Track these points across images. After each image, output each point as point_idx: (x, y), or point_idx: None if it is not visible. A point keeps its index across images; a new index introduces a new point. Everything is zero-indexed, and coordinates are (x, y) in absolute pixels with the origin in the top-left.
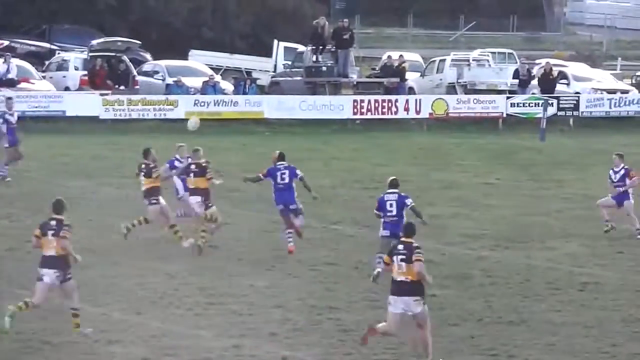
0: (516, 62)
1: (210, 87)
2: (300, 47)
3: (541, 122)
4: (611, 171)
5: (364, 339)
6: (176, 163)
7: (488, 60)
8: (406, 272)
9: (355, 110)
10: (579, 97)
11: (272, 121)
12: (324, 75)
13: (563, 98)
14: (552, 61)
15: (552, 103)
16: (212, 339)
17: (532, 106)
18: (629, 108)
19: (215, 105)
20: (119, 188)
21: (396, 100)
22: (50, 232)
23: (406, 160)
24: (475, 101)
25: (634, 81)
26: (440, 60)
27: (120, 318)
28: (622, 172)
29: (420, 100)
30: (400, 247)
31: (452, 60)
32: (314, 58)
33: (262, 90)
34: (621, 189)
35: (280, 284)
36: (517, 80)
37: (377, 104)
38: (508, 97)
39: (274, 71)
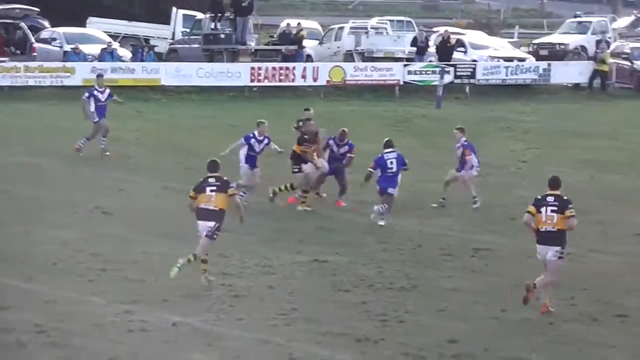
0: (414, 30)
1: (108, 55)
2: (199, 15)
3: (438, 90)
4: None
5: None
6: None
7: (386, 28)
8: (556, 222)
9: (253, 77)
10: (475, 65)
11: (169, 88)
12: (221, 42)
13: (460, 66)
14: (450, 29)
15: (448, 71)
16: (105, 305)
17: (429, 74)
18: (526, 76)
19: (112, 72)
20: (12, 155)
21: (294, 68)
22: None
23: None
24: (372, 69)
25: (530, 49)
26: (339, 28)
27: (12, 284)
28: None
29: (317, 67)
30: (551, 199)
31: (350, 28)
32: (213, 25)
33: (160, 57)
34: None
35: (173, 250)
36: (414, 48)
37: (274, 72)
38: (405, 65)
39: (172, 39)
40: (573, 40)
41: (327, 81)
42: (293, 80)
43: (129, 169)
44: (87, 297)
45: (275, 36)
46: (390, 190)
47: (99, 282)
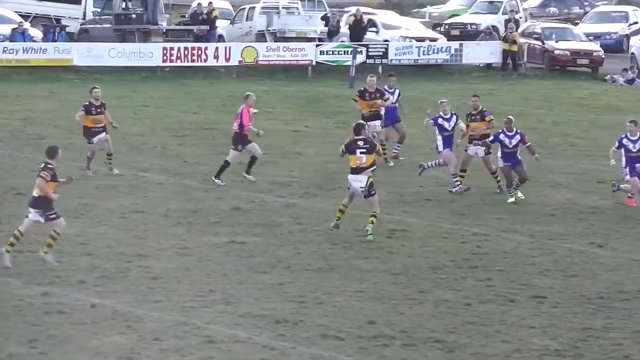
0: (325, 10)
1: (19, 35)
2: None
3: (350, 70)
4: None
5: None
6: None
7: (297, 8)
8: None
9: (165, 57)
10: (387, 45)
11: (81, 68)
12: (133, 22)
13: (372, 46)
14: (362, 9)
15: (361, 51)
16: (21, 287)
17: (341, 54)
18: (437, 56)
19: (24, 52)
20: None
21: (206, 48)
22: None
23: (215, 107)
24: (284, 49)
25: (442, 29)
26: (250, 8)
27: None
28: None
29: (229, 48)
30: None
31: (262, 8)
32: (124, 5)
33: (71, 37)
34: None
35: (88, 232)
36: (326, 28)
37: (186, 52)
38: (317, 45)
39: (84, 18)
40: (484, 20)
41: (240, 61)
42: (205, 61)
43: (43, 149)
44: (4, 279)
45: (187, 16)
46: None
47: (15, 263)
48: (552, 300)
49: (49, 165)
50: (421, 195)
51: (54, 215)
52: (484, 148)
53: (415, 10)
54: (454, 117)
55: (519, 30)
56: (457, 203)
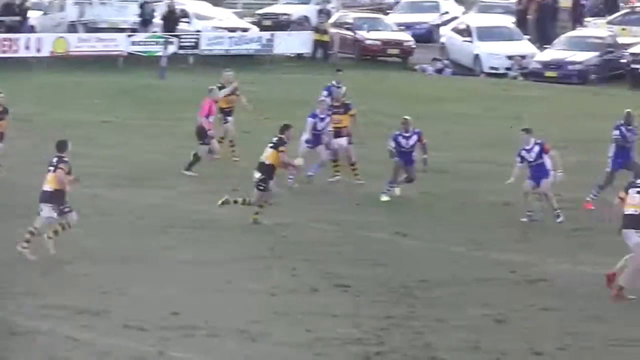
0: (137, 0)
1: None
2: None
3: (161, 61)
4: None
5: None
6: None
7: None
8: (637, 204)
9: None
10: (199, 35)
11: None
12: None
13: (184, 36)
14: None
15: (172, 41)
16: None
17: (153, 45)
18: (249, 46)
19: None
20: None
21: (17, 39)
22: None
23: (28, 99)
24: (96, 40)
25: (254, 19)
26: None
27: None
28: None
29: (41, 39)
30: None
31: None
32: None
33: None
34: None
35: None
36: (139, 19)
37: None
38: (129, 36)
39: None
40: (296, 11)
41: (51, 52)
42: (17, 52)
43: None
44: None
45: None
46: None
47: None
48: (356, 289)
49: (64, 159)
50: (230, 185)
51: (68, 209)
52: (347, 138)
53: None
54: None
55: (331, 21)
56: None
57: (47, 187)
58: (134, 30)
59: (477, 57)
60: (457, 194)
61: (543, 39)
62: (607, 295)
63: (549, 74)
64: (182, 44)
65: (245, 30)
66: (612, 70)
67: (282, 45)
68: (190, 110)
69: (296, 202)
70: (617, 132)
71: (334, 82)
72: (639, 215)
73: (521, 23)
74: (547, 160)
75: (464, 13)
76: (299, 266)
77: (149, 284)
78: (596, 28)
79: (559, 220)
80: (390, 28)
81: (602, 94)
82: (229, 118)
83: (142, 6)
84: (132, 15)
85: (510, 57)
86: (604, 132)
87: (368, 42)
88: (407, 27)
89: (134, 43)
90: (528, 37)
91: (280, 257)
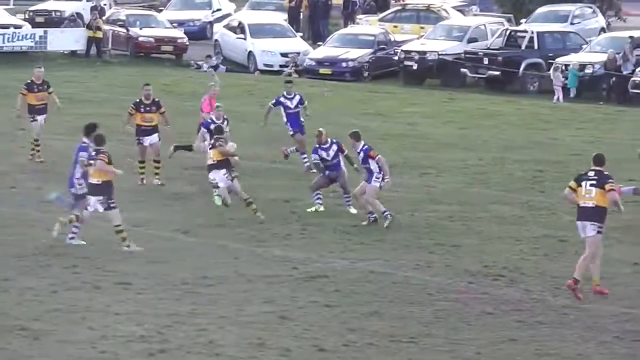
0: None
1: None
2: None
3: None
4: None
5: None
6: None
7: None
8: (594, 197)
9: None
10: None
11: None
12: None
13: None
14: None
15: None
16: None
17: None
18: (22, 43)
19: None
20: None
21: None
22: None
23: None
24: None
25: (26, 16)
26: None
27: None
28: None
29: None
30: (591, 173)
31: None
32: None
33: None
34: None
35: None
36: None
37: None
38: None
39: None
40: (69, 8)
41: None
42: None
43: None
44: None
45: None
46: None
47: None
48: (138, 287)
49: (102, 150)
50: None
51: (114, 204)
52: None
53: None
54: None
55: (104, 17)
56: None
57: (93, 180)
58: None
59: (250, 54)
60: None
61: (315, 37)
62: (385, 292)
63: (323, 71)
64: None
65: (18, 27)
66: (384, 67)
67: (55, 42)
68: None
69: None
70: None
71: (284, 93)
72: (594, 208)
73: (293, 20)
74: (374, 166)
75: (235, 10)
76: (79, 264)
77: None
78: (368, 25)
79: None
80: (164, 25)
81: (376, 91)
82: (40, 117)
83: None
84: None
85: (284, 55)
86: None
87: (141, 39)
88: (180, 24)
89: None
90: (300, 34)
91: (61, 255)
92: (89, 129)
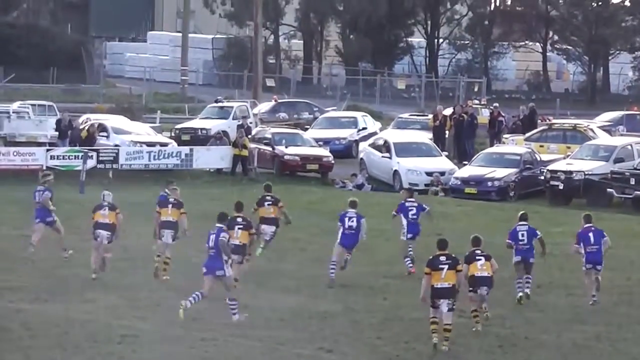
0: (56, 114)
1: None
2: None
3: (81, 175)
4: None
5: None
6: None
7: (28, 113)
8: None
9: None
10: (118, 149)
11: None
12: None
13: (103, 151)
14: (93, 116)
15: (92, 156)
16: None
17: (72, 159)
18: (168, 161)
19: None
20: None
21: None
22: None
23: None
24: (15, 153)
25: (172, 134)
26: None
27: None
28: None
29: None
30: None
31: None
32: None
33: None
34: None
35: None
36: (57, 133)
37: None
38: (48, 150)
39: None
40: (214, 125)
41: None
42: None
43: None
44: None
45: None
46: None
47: None
48: None
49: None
50: (152, 299)
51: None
52: None
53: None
54: None
55: (250, 135)
56: (189, 309)
57: (236, 242)
58: (52, 144)
59: (396, 173)
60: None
61: (461, 156)
62: None
63: (468, 190)
64: (101, 159)
65: (164, 144)
66: (531, 187)
67: (201, 160)
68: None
69: (220, 317)
70: None
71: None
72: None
73: (438, 139)
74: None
75: (381, 129)
76: None
77: None
78: (514, 145)
79: None
80: (309, 143)
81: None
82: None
83: (58, 121)
84: (50, 129)
85: (429, 174)
86: None
87: (287, 157)
88: (325, 142)
89: (52, 157)
90: (446, 153)
91: None
92: (222, 217)
